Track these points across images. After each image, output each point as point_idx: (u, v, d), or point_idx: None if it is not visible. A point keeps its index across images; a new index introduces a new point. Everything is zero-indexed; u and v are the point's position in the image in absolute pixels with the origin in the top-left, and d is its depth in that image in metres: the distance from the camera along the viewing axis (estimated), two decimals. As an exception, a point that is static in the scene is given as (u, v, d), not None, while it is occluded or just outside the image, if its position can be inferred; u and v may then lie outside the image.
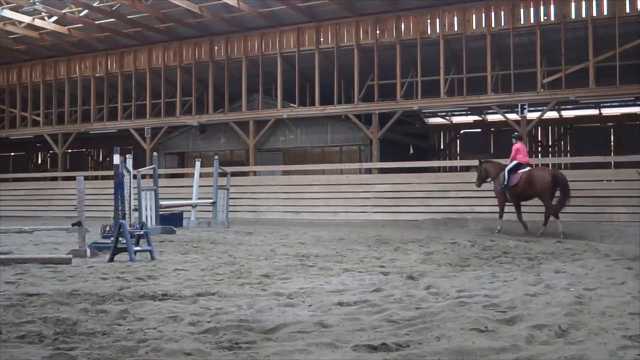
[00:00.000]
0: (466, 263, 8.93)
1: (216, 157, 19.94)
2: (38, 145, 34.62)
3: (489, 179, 16.21)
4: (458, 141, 27.94)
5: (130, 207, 13.74)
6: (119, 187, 11.35)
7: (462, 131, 27.63)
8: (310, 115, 22.63)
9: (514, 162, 15.21)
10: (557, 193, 14.49)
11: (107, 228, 13.27)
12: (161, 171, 21.86)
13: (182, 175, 25.62)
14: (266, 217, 21.24)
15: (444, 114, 25.70)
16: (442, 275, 7.71)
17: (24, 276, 7.76)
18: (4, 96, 29.02)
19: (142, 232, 10.21)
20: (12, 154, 38.64)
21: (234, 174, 21.56)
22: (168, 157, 26.58)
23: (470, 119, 26.42)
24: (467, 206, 18.98)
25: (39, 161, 39.19)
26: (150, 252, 9.77)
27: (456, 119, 27.07)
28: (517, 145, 15.46)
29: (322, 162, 23.81)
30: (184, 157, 27.27)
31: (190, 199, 19.56)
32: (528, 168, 15.11)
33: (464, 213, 18.75)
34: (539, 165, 19.53)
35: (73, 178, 24.50)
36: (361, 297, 6.09)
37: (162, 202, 17.19)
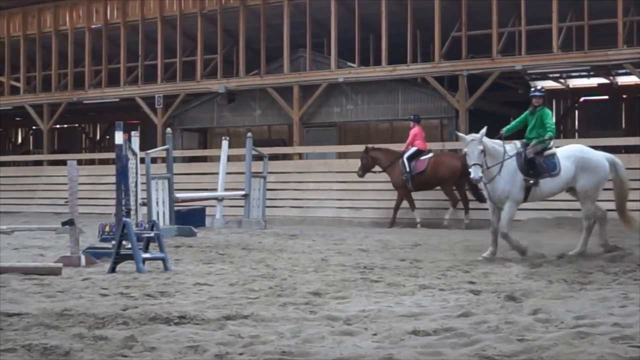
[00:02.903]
0: (587, 279, 8.80)
1: (249, 134, 20.08)
2: (17, 119, 35.45)
3: (377, 169, 18.97)
4: (577, 112, 27.56)
5: (137, 200, 13.96)
6: (122, 175, 11.53)
7: (582, 99, 27.18)
8: (375, 78, 22.56)
9: (413, 149, 18.12)
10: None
11: (107, 228, 13.49)
12: (177, 153, 22.15)
13: (204, 159, 25.91)
14: (315, 215, 21.30)
15: (557, 75, 25.29)
16: (553, 295, 7.61)
17: (1, 290, 7.95)
18: (-26, 55, 29.79)
19: (152, 234, 10.36)
20: (-16, 130, 39.64)
21: (272, 157, 21.69)
22: (186, 134, 26.92)
23: (594, 82, 25.94)
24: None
25: (19, 140, 40.20)
26: (163, 260, 9.92)
27: (574, 83, 26.62)
28: (416, 130, 18.56)
29: (391, 141, 23.64)
30: (206, 135, 27.58)
31: (215, 190, 19.76)
32: (431, 154, 18.05)
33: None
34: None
35: (63, 162, 25.10)
36: (443, 323, 6.06)
37: (178, 195, 17.42)
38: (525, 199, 11.60)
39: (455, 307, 6.88)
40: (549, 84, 26.77)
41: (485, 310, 6.74)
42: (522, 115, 12.06)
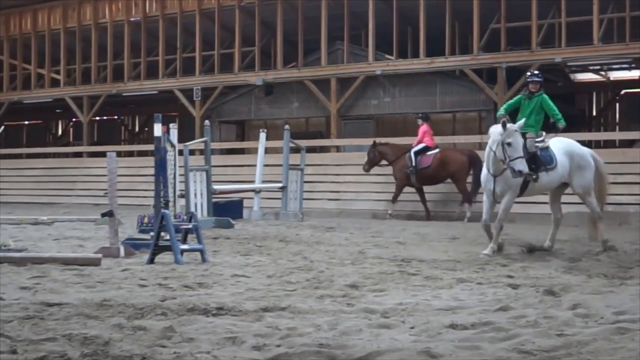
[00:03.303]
0: (628, 274, 8.72)
1: (287, 126, 20.13)
2: (58, 111, 35.85)
3: (383, 163, 19.96)
4: (617, 105, 27.27)
5: (175, 192, 14.08)
6: (160, 167, 11.59)
7: (623, 91, 26.87)
8: (413, 70, 22.47)
9: (422, 145, 19.12)
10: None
11: (146, 220, 13.69)
12: (215, 145, 22.28)
13: (241, 151, 26.03)
14: (353, 208, 21.32)
15: (598, 67, 25.03)
16: (593, 290, 7.55)
17: (42, 280, 8.09)
18: (16, 49, 30.15)
19: (190, 226, 10.44)
20: (26, 122, 40.22)
21: (310, 150, 21.72)
22: (224, 126, 27.03)
23: (635, 74, 25.64)
24: (630, 195, 18.44)
25: (60, 132, 40.66)
26: (201, 252, 9.98)
27: (615, 75, 26.33)
28: (424, 127, 19.45)
29: (429, 134, 23.60)
30: (244, 127, 27.68)
31: (253, 182, 19.84)
32: (437, 150, 18.94)
33: (625, 205, 18.23)
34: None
35: (102, 154, 25.32)
36: (481, 317, 6.04)
37: (215, 187, 17.52)
38: (521, 194, 11.16)
39: (493, 301, 6.86)
40: (590, 76, 26.52)
41: (524, 304, 6.70)
42: (515, 99, 11.51)
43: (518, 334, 5.41)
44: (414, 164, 19.08)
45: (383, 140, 20.92)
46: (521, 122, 10.78)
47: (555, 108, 11.17)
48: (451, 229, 15.81)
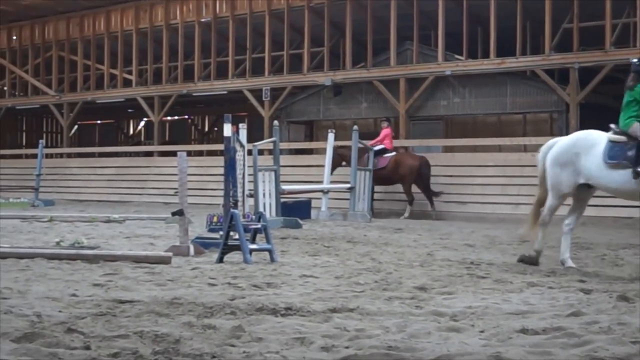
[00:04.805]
0: None
1: (355, 127, 20.16)
2: (130, 111, 36.51)
3: (343, 164, 20.74)
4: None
5: (244, 192, 14.17)
6: (230, 167, 11.71)
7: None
8: (483, 71, 22.27)
9: (381, 146, 20.30)
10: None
11: (215, 219, 13.77)
12: (283, 145, 22.38)
13: (310, 151, 26.12)
14: (421, 209, 21.22)
15: (675, 68, 24.46)
16: (669, 296, 7.38)
17: (114, 278, 8.24)
18: (90, 49, 30.76)
19: (259, 226, 10.50)
20: (99, 122, 41.03)
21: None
22: (292, 126, 27.17)
23: None
24: None
25: (131, 131, 41.37)
26: (270, 251, 10.05)
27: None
28: (387, 131, 20.88)
29: (499, 135, 23.36)
30: (312, 127, 27.77)
31: (321, 182, 19.90)
32: (394, 153, 20.26)
33: None
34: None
35: (172, 153, 25.70)
36: (553, 322, 5.95)
37: (284, 187, 17.61)
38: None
39: (564, 306, 6.75)
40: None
41: (597, 310, 6.58)
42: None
43: (591, 340, 5.31)
44: (370, 165, 20.00)
45: (341, 143, 21.97)
46: None
47: None
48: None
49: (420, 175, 20.30)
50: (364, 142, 20.44)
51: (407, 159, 20.60)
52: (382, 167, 20.14)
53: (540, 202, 10.28)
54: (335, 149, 20.89)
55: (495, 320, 6.08)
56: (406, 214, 20.25)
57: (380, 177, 20.17)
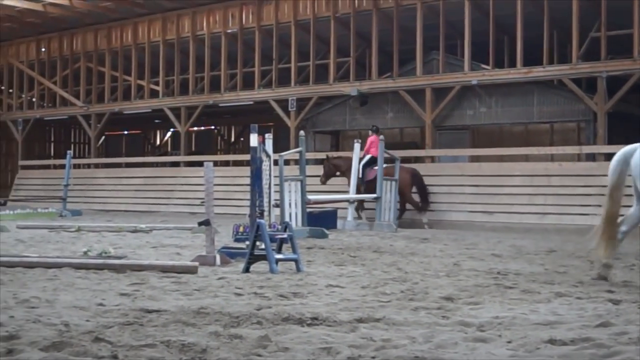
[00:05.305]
0: None
1: (381, 137, 20.14)
2: (156, 121, 36.75)
3: (337, 174, 21.52)
4: None
5: (270, 202, 14.21)
6: (256, 176, 11.74)
7: None
8: (510, 80, 22.19)
9: (369, 156, 20.33)
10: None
11: (241, 229, 13.89)
12: (309, 155, 22.42)
13: (336, 162, 26.12)
14: (447, 219, 21.18)
15: None
16: (699, 307, 7.30)
17: (141, 287, 8.28)
18: (117, 60, 31.00)
19: (285, 236, 10.51)
20: (126, 132, 41.33)
21: (404, 160, 21.69)
22: (318, 136, 27.20)
23: None
24: None
25: (158, 142, 41.62)
26: (296, 261, 10.05)
27: None
28: (372, 138, 20.66)
29: (525, 145, 23.27)
30: (338, 137, 27.80)
31: (347, 192, 19.90)
32: (385, 165, 19.81)
33: None
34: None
35: (199, 164, 25.83)
36: (581, 333, 5.90)
37: (310, 197, 17.63)
38: None
39: (593, 317, 6.68)
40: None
41: (626, 320, 6.51)
42: None
43: (620, 351, 5.26)
44: (361, 175, 20.34)
45: (335, 154, 22.96)
46: None
47: None
48: (548, 241, 15.54)
49: (413, 186, 20.62)
50: (391, 152, 20.48)
51: (399, 173, 20.47)
52: (372, 179, 20.07)
53: (612, 218, 9.36)
54: (330, 159, 21.46)
55: (523, 330, 6.03)
56: (425, 220, 20.64)
57: (371, 189, 20.01)
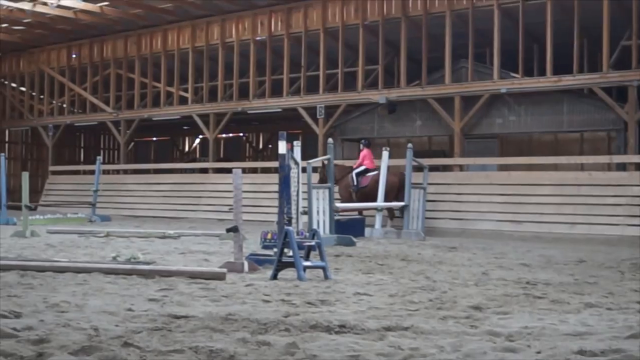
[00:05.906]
0: None
1: (410, 145, 20.14)
2: (185, 128, 36.96)
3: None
4: None
5: (298, 209, 14.23)
6: (284, 184, 11.77)
7: None
8: (539, 89, 22.07)
9: (362, 167, 21.34)
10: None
11: (269, 236, 13.90)
12: (338, 163, 22.42)
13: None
14: (475, 228, 21.07)
15: None
16: None
17: (169, 293, 8.33)
18: (147, 67, 31.22)
19: (313, 243, 10.53)
20: (155, 138, 41.59)
21: (432, 168, 21.65)
22: (346, 144, 27.20)
23: None
24: None
25: (186, 148, 41.84)
26: (324, 269, 10.05)
27: None
28: (365, 152, 21.62)
29: (555, 154, 23.13)
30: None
31: (375, 200, 19.90)
32: (376, 172, 20.69)
33: None
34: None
35: (227, 170, 25.92)
36: (611, 344, 5.85)
37: (338, 204, 17.64)
38: None
39: (623, 328, 6.63)
40: None
41: (657, 332, 6.46)
42: None
43: (651, 362, 5.22)
44: (355, 183, 21.12)
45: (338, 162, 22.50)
46: None
47: None
48: (578, 251, 15.42)
49: (400, 190, 20.39)
50: (419, 160, 20.45)
51: (387, 177, 20.50)
52: (365, 185, 20.93)
53: None
54: (324, 166, 21.14)
55: (552, 341, 6.00)
56: (388, 226, 20.74)
57: (363, 194, 20.80)
